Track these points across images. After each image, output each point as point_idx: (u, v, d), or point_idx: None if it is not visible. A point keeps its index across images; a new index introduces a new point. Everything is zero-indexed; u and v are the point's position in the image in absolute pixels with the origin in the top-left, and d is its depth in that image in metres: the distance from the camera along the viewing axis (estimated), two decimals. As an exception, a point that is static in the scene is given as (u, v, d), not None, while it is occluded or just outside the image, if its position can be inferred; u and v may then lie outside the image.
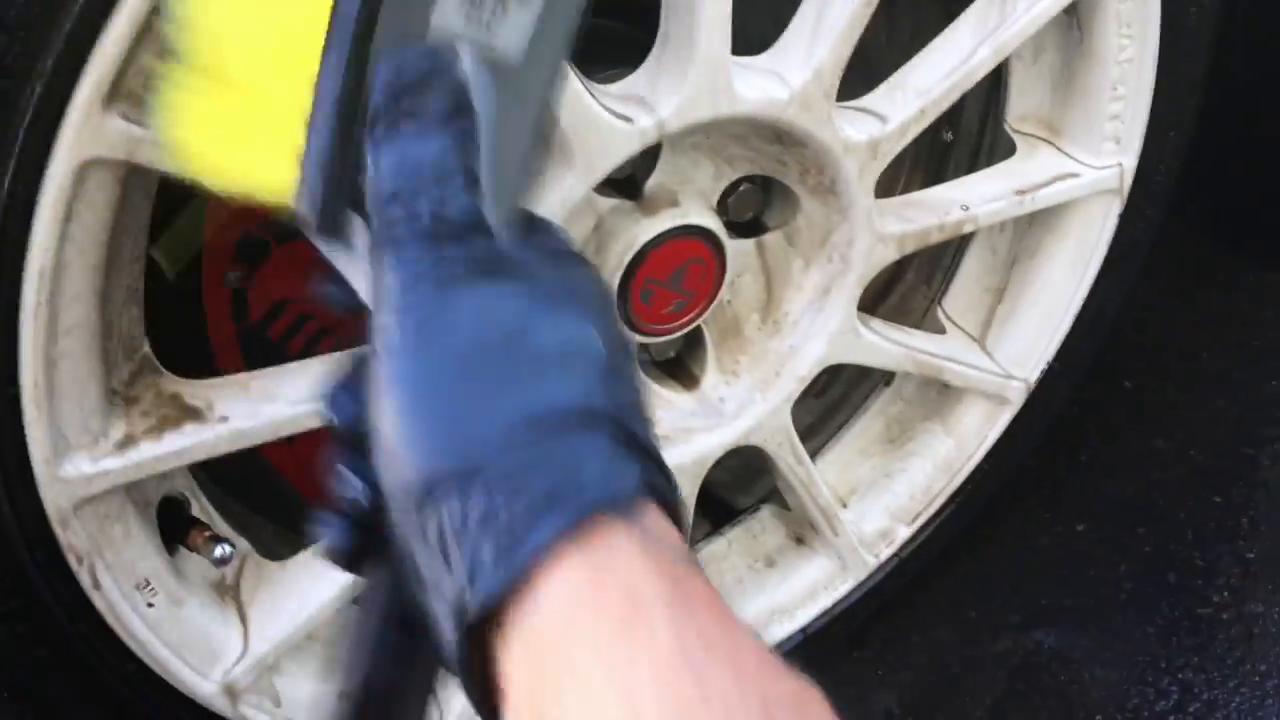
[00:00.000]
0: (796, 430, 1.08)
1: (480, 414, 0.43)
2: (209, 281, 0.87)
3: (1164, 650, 1.22)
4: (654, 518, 0.43)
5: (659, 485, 0.44)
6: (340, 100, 0.47)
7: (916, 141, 0.99)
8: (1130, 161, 1.09)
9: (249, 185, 0.50)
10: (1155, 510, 1.33)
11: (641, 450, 0.44)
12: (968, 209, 1.04)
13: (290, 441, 0.83)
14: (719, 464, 1.05)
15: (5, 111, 0.63)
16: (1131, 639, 1.23)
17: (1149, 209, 1.14)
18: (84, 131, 0.65)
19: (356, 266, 0.50)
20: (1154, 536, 1.31)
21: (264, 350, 0.91)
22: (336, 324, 0.94)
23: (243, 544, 0.91)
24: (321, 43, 0.46)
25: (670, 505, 0.45)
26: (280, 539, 1.03)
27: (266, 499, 1.01)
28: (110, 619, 0.81)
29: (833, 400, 1.27)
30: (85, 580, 0.79)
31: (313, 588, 0.90)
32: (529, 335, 0.44)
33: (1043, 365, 1.19)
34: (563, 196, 0.82)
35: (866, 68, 1.00)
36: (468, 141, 0.47)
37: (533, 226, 0.51)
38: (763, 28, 0.92)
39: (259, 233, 0.86)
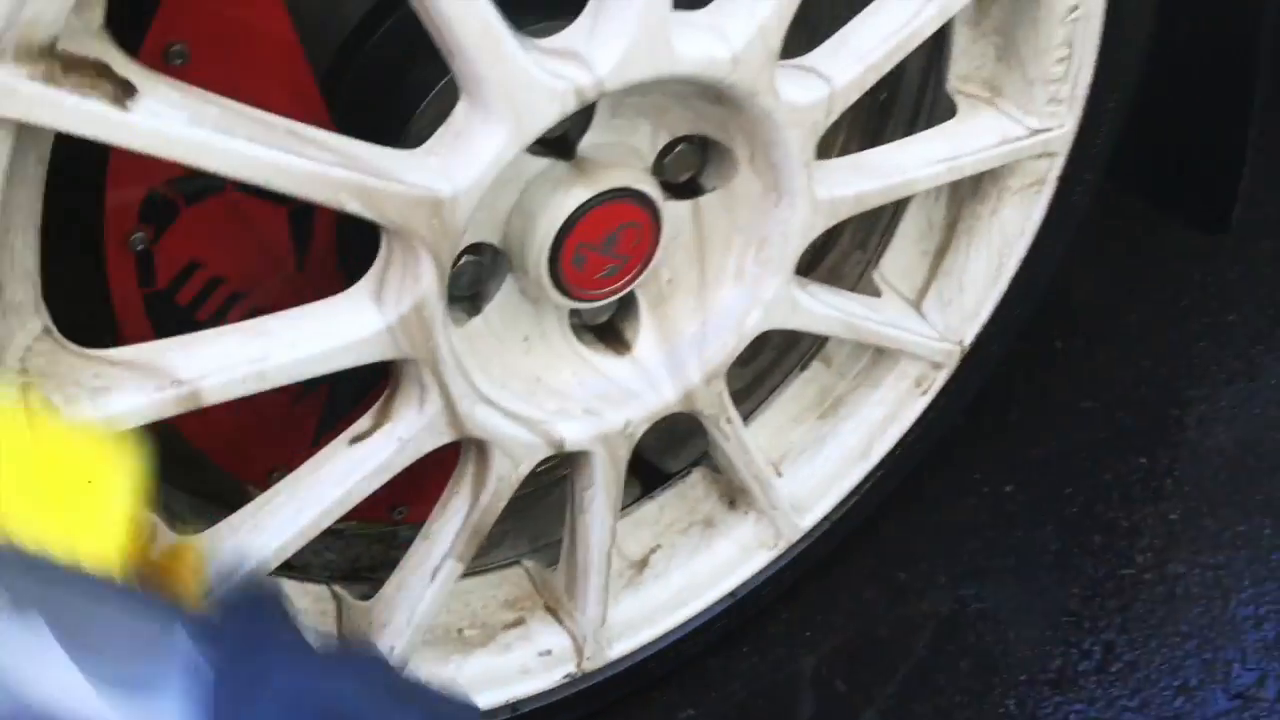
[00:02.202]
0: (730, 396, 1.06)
1: None
2: (112, 245, 0.81)
3: (1088, 610, 1.23)
4: None
5: None
6: None
7: (856, 102, 0.96)
8: (1072, 124, 1.07)
9: None
10: (1082, 471, 1.34)
11: None
12: (908, 173, 1.02)
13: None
14: (650, 428, 1.03)
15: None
16: (1056, 599, 1.24)
17: (1088, 172, 1.13)
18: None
19: None
20: (1080, 498, 1.32)
21: (171, 316, 0.86)
22: (251, 287, 0.89)
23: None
24: None
25: None
26: (195, 509, 0.99)
27: (181, 468, 0.96)
28: None
29: (763, 366, 1.25)
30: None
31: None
32: None
33: (978, 328, 1.18)
34: (494, 157, 0.78)
35: (806, 23, 0.96)
36: None
37: None
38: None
39: (167, 192, 0.81)
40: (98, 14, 0.67)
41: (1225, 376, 1.39)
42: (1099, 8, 1.00)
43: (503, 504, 0.97)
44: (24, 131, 0.65)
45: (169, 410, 0.75)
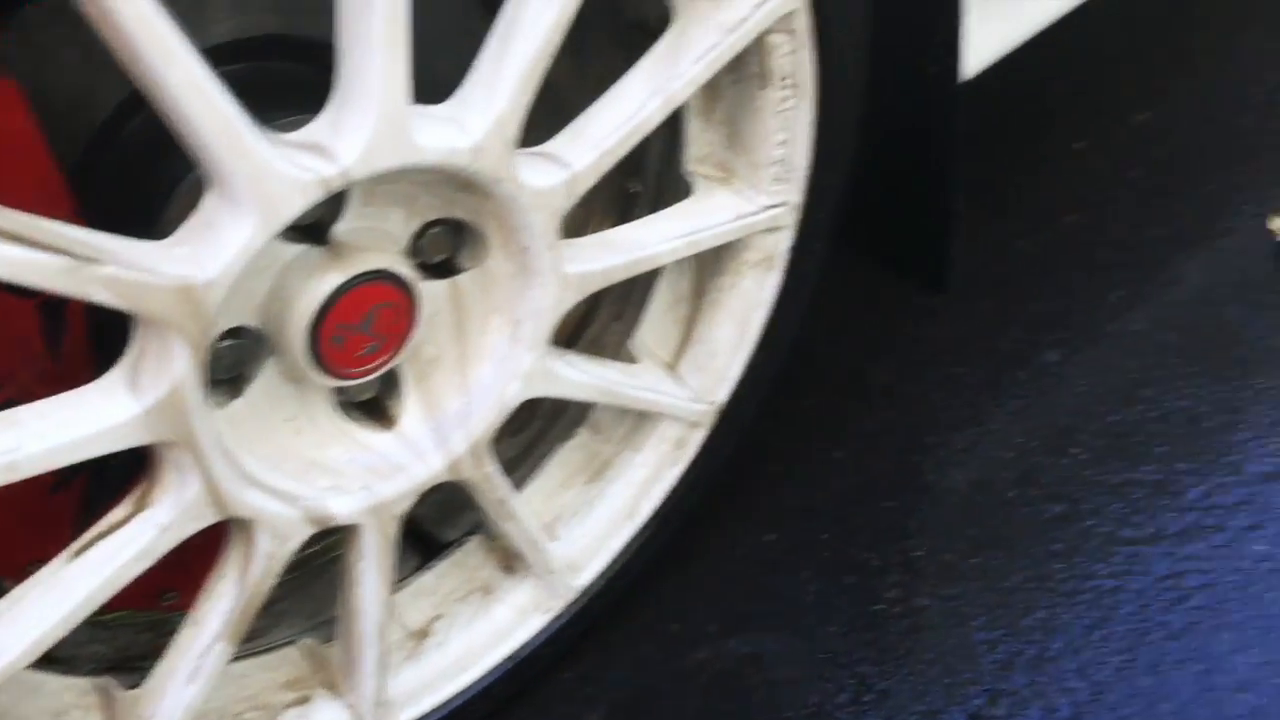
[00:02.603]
0: (500, 464, 1.11)
1: None
2: None
3: (844, 646, 1.32)
4: None
5: None
6: None
7: (601, 186, 1.04)
8: (796, 198, 1.18)
9: None
10: (836, 516, 1.45)
11: None
12: (649, 248, 1.10)
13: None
14: (422, 499, 1.07)
15: None
16: (815, 639, 1.33)
17: (816, 242, 1.24)
18: None
19: None
20: (834, 541, 1.42)
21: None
22: (4, 381, 0.89)
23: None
24: None
25: None
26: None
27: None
28: None
29: (533, 435, 1.31)
30: None
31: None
32: None
33: (730, 388, 1.27)
34: (243, 246, 0.81)
35: (561, 108, 1.04)
36: None
37: None
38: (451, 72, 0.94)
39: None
40: None
41: (955, 423, 1.53)
42: (808, 100, 1.11)
43: (272, 582, 0.99)
44: None
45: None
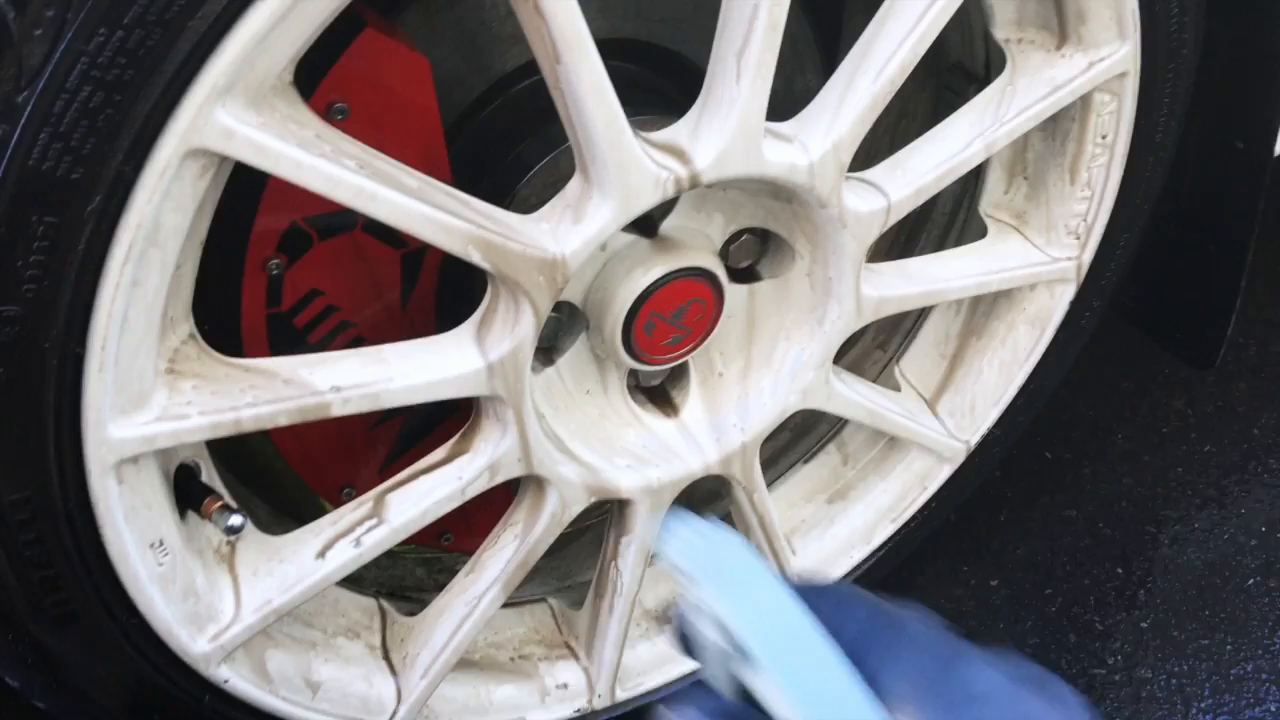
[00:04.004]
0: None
1: None
2: (251, 267, 0.91)
3: (1060, 704, 1.32)
4: None
5: None
6: None
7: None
8: (1087, 256, 1.19)
9: None
10: (1063, 574, 1.45)
11: None
12: (941, 282, 1.13)
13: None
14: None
15: (130, 102, 0.68)
16: (1032, 690, 1.33)
17: (1096, 300, 1.25)
18: (195, 124, 0.70)
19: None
20: (1059, 598, 1.42)
21: (288, 336, 0.96)
22: (359, 318, 0.99)
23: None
24: None
25: None
26: (274, 517, 1.07)
27: (266, 478, 1.05)
28: (123, 573, 0.85)
29: (781, 444, 1.35)
30: (107, 534, 0.83)
31: (306, 565, 0.95)
32: None
33: (984, 430, 1.30)
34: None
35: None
36: None
37: None
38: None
39: (305, 226, 0.91)
40: (289, 72, 0.78)
41: (1199, 501, 1.51)
42: (1119, 160, 1.13)
43: (550, 541, 1.06)
44: (224, 168, 0.76)
45: (300, 417, 0.84)
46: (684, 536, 0.53)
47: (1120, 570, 1.45)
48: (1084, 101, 1.09)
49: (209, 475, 0.92)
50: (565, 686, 1.19)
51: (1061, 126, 1.13)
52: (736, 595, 0.50)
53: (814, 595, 0.53)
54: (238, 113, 0.72)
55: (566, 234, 0.89)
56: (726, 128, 0.90)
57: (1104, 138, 1.11)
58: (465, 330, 0.92)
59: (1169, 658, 1.36)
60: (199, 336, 0.85)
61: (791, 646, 0.49)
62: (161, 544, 0.87)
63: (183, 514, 0.90)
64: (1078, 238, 1.18)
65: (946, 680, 0.49)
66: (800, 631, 0.49)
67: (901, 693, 0.49)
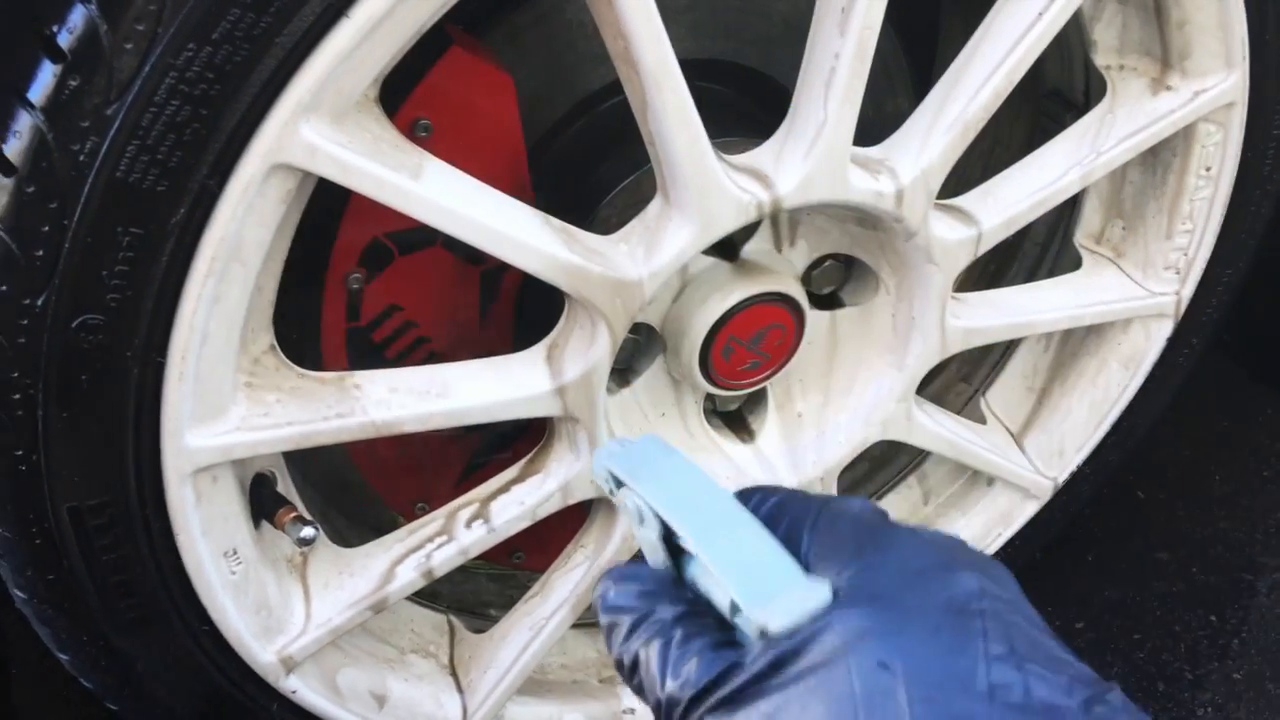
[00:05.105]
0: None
1: None
2: (332, 281, 0.92)
3: (1145, 755, 1.27)
4: None
5: None
6: None
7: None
8: (1187, 292, 1.15)
9: None
10: (1152, 619, 1.39)
11: None
12: (1031, 314, 1.10)
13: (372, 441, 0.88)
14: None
15: (216, 116, 0.69)
16: (1116, 739, 1.28)
17: (1194, 337, 1.21)
18: (279, 139, 0.71)
19: None
20: (1149, 644, 1.37)
21: (365, 350, 0.96)
22: (436, 334, 0.99)
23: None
24: None
25: None
26: (350, 529, 1.08)
27: (341, 490, 1.06)
28: (196, 580, 0.86)
29: (859, 475, 1.32)
30: (182, 541, 0.84)
31: (374, 579, 0.95)
32: None
33: (1073, 467, 1.25)
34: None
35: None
36: None
37: None
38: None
39: (387, 241, 0.92)
40: (374, 89, 0.78)
41: (1300, 550, 1.44)
42: (1224, 193, 1.09)
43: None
44: (306, 184, 0.76)
45: (375, 432, 0.84)
46: (611, 449, 0.59)
47: (1214, 618, 1.39)
48: (1187, 132, 1.05)
49: (284, 486, 0.93)
50: (632, 712, 1.18)
51: (1162, 158, 1.09)
52: (663, 484, 0.55)
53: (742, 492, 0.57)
54: (322, 129, 0.73)
55: (645, 256, 0.88)
56: (811, 153, 0.88)
57: (1208, 169, 1.07)
58: (537, 352, 0.91)
59: (1262, 710, 1.30)
60: (279, 349, 0.85)
61: (713, 518, 0.53)
62: (235, 553, 0.88)
63: (257, 524, 0.91)
64: (1177, 272, 1.14)
65: (872, 540, 0.52)
66: (720, 503, 0.54)
67: (822, 553, 0.52)
